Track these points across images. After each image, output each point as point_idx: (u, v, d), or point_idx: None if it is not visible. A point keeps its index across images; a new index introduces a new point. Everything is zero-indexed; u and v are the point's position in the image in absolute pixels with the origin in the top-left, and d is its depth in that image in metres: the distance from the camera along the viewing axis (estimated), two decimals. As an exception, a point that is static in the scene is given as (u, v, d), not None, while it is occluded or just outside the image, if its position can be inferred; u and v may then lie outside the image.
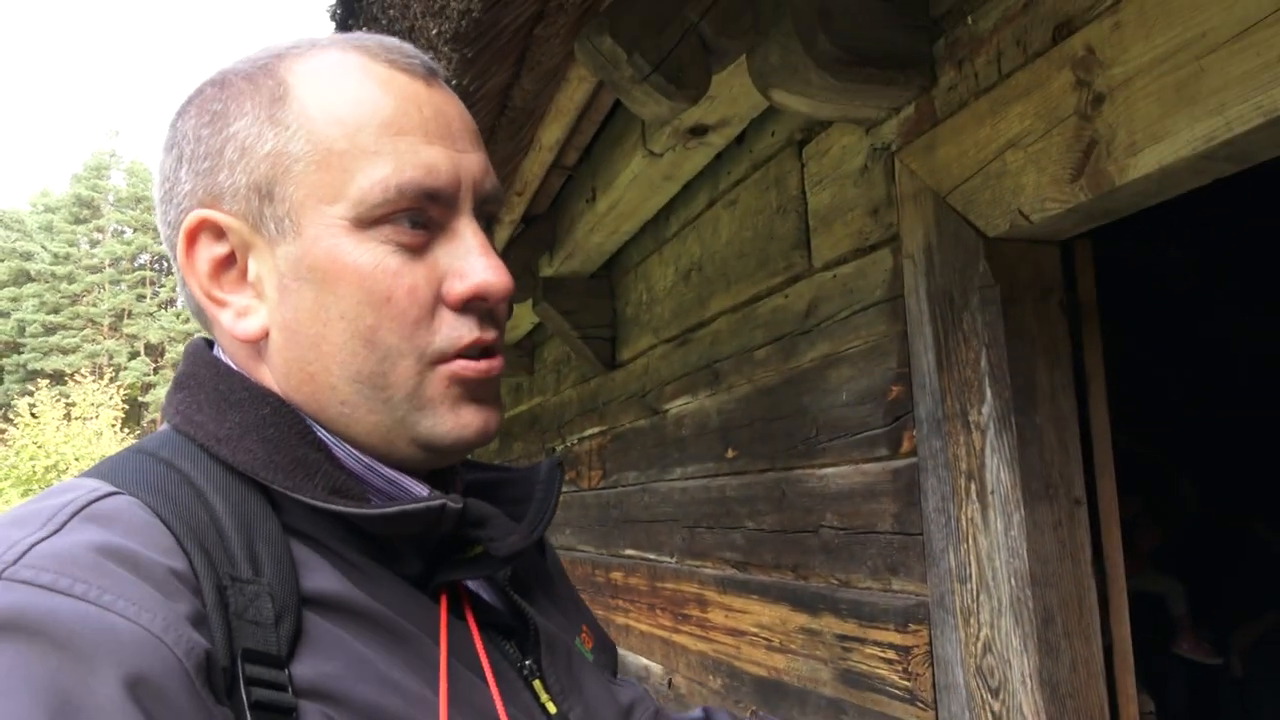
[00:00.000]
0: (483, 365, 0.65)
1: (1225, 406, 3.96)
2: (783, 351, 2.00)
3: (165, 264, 51.51)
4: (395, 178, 0.61)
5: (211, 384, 0.64)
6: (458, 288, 0.63)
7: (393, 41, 0.66)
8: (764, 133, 2.07)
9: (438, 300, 0.63)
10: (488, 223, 0.68)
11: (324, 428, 0.64)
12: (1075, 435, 1.41)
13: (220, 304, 0.64)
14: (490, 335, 0.65)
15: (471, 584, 0.70)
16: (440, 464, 0.68)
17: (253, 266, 0.64)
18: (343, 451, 0.64)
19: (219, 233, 0.63)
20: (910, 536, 1.57)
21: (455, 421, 0.64)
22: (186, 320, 46.57)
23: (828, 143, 1.83)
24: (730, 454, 2.25)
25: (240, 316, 0.64)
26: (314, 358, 0.63)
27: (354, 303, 0.61)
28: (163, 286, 50.80)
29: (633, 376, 2.97)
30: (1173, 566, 3.45)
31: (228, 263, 0.64)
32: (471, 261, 0.63)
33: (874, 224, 1.68)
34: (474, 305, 0.64)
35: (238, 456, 0.60)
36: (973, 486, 1.41)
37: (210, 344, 0.70)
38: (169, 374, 45.76)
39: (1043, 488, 1.37)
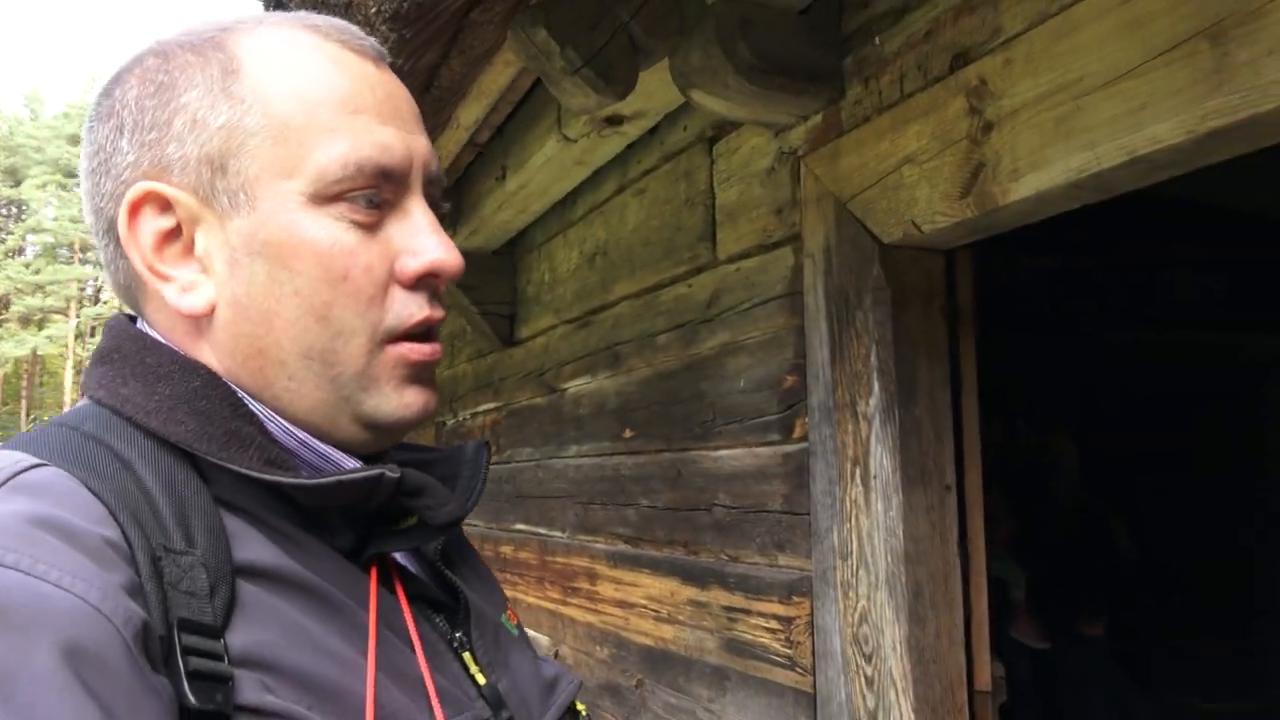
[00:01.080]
0: (427, 349, 0.67)
1: (1090, 429, 4.27)
2: (684, 338, 2.09)
3: (15, 210, 47.95)
4: (354, 154, 0.62)
5: (137, 357, 0.63)
6: (411, 265, 0.64)
7: (341, 23, 0.68)
8: (676, 127, 2.15)
9: (390, 278, 0.64)
10: (432, 205, 0.69)
11: (266, 404, 0.64)
12: (949, 428, 1.55)
13: (164, 278, 0.63)
14: (439, 314, 0.67)
15: (401, 560, 0.71)
16: (380, 445, 0.68)
17: (200, 240, 0.63)
18: (275, 425, 0.64)
19: (165, 205, 0.63)
20: (798, 516, 1.69)
21: (399, 401, 0.65)
22: (37, 271, 43.53)
23: (738, 142, 1.93)
24: (628, 434, 2.34)
25: (186, 291, 0.63)
26: (264, 333, 0.63)
27: (309, 279, 0.62)
28: (10, 234, 47.30)
29: (531, 354, 3.02)
30: (1027, 555, 3.75)
31: (172, 236, 0.63)
32: (423, 240, 0.65)
33: (778, 223, 1.79)
34: (425, 283, 0.66)
35: (169, 428, 0.60)
36: (857, 471, 1.54)
37: (133, 319, 0.68)
38: (14, 327, 42.71)
39: (919, 474, 1.51)
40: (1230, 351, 4.54)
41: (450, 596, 0.71)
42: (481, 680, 0.68)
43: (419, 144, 0.67)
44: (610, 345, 2.46)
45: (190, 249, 0.64)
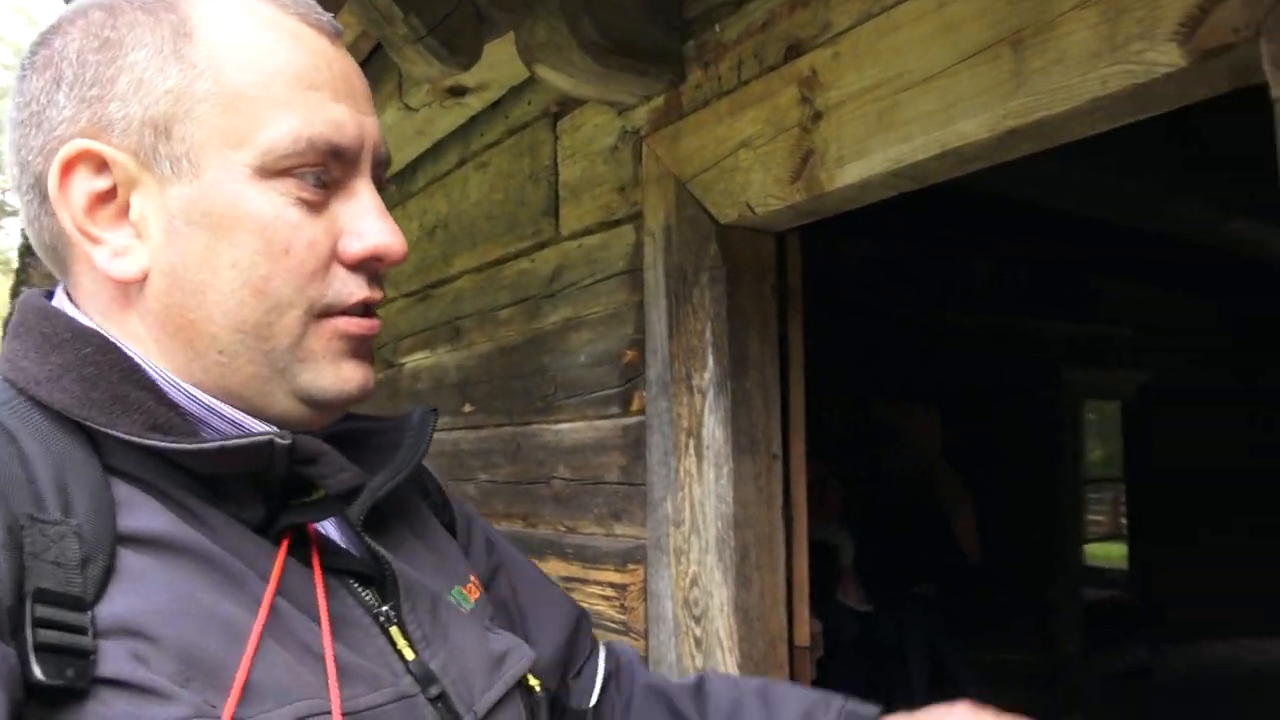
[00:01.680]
0: (366, 323, 0.66)
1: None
2: (526, 313, 2.10)
3: None
4: (306, 130, 0.61)
5: (38, 328, 0.62)
6: (354, 247, 0.64)
7: None
8: (520, 101, 2.15)
9: (333, 256, 0.64)
10: (379, 186, 0.68)
11: (195, 376, 0.63)
12: (777, 400, 1.64)
13: (95, 241, 0.61)
14: (378, 295, 0.67)
15: (334, 532, 0.69)
16: (322, 421, 0.67)
17: (136, 204, 0.61)
18: (180, 393, 0.63)
19: (101, 165, 0.61)
20: (634, 486, 1.74)
21: (337, 375, 0.65)
22: None
23: (581, 119, 1.95)
24: (468, 409, 2.33)
25: (118, 256, 0.61)
26: (196, 305, 0.61)
27: (249, 251, 0.61)
28: None
29: (367, 328, 2.94)
30: (858, 524, 3.97)
31: (107, 198, 0.61)
32: (370, 222, 0.65)
33: (620, 200, 1.83)
34: (367, 265, 0.65)
35: (55, 396, 0.59)
36: (691, 442, 1.60)
37: (49, 294, 0.67)
38: None
39: (749, 444, 1.58)
40: (1031, 339, 4.94)
41: (381, 568, 0.69)
42: (410, 655, 0.66)
43: (370, 124, 0.66)
44: (451, 319, 2.44)
45: (125, 213, 0.62)
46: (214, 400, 0.64)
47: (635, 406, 1.75)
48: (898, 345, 4.56)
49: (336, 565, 0.67)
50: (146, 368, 0.62)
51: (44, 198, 0.62)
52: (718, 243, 1.59)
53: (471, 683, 0.68)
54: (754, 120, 1.50)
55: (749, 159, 1.51)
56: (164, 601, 0.55)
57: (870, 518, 4.06)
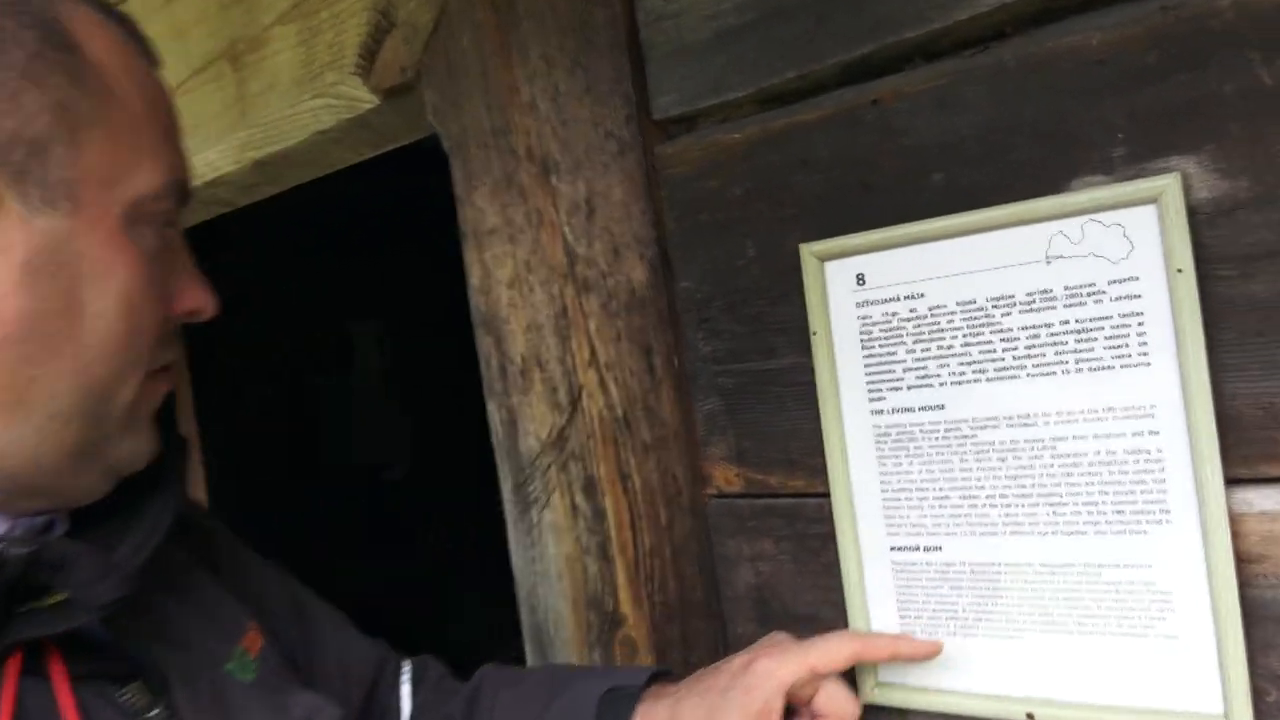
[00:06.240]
0: (171, 380, 0.61)
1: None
2: None
3: None
4: (171, 174, 0.56)
5: None
6: (183, 303, 0.59)
7: (131, 21, 0.59)
8: None
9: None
10: None
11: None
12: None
13: None
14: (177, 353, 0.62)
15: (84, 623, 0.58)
16: (105, 491, 0.58)
17: None
18: None
19: None
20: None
21: (148, 439, 0.59)
22: None
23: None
24: None
25: None
26: (46, 359, 0.52)
27: (115, 302, 0.54)
28: None
29: None
30: None
31: None
32: (191, 277, 0.60)
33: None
34: (178, 320, 0.60)
35: None
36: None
37: None
38: None
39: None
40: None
41: (142, 666, 0.59)
42: None
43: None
44: None
45: None
46: None
47: None
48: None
49: (84, 671, 0.56)
50: None
51: None
52: None
53: None
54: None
55: None
56: None
57: None
